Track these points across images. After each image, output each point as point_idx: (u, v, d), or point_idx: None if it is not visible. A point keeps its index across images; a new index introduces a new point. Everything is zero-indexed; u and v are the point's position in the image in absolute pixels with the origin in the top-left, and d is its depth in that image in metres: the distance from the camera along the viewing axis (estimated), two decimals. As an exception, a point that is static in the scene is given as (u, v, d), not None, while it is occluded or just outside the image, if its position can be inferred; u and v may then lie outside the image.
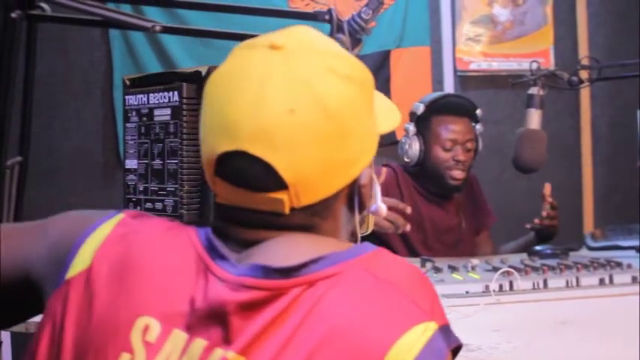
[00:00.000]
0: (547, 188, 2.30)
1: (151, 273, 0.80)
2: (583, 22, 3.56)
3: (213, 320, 0.75)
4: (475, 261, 1.96)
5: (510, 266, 1.81)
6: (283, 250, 0.79)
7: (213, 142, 0.80)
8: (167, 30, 1.28)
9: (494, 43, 3.52)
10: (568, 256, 2.07)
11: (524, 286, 1.66)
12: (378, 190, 0.88)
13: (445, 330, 0.76)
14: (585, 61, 2.15)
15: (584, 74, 2.05)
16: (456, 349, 0.78)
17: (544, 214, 2.29)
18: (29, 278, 0.87)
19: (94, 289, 0.80)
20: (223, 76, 0.81)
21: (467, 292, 1.63)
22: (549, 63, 3.48)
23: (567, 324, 1.40)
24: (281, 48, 0.79)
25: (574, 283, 1.68)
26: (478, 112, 2.30)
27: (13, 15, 1.22)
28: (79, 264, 0.82)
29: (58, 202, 3.14)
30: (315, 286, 0.75)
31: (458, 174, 2.25)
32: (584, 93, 3.52)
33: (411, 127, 2.27)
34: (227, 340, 0.74)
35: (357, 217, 0.86)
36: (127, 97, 1.53)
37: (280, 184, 0.78)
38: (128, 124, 1.52)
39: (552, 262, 1.94)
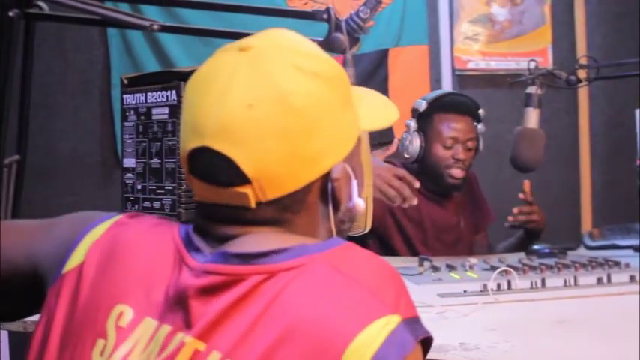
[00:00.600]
0: (525, 185, 2.28)
1: (133, 265, 0.84)
2: (581, 22, 3.56)
3: (178, 306, 0.78)
4: (473, 260, 1.96)
5: (508, 265, 1.81)
6: (252, 242, 0.81)
7: (185, 141, 0.84)
8: (165, 29, 1.28)
9: (493, 42, 3.52)
10: (566, 255, 2.07)
11: (522, 285, 1.66)
12: (354, 185, 0.88)
13: (411, 322, 0.76)
14: (583, 61, 2.15)
15: (582, 73, 2.05)
16: (427, 341, 0.79)
17: (515, 210, 2.26)
18: (37, 273, 0.91)
19: (82, 281, 0.84)
20: (197, 78, 0.85)
21: (465, 291, 1.63)
22: (547, 62, 3.48)
23: (565, 323, 1.40)
24: (249, 49, 0.82)
25: (572, 282, 1.68)
26: (480, 111, 2.30)
27: (11, 14, 1.22)
28: (74, 260, 0.86)
29: (55, 201, 3.14)
30: (277, 276, 0.77)
31: (457, 173, 2.25)
32: (583, 92, 3.52)
33: (412, 124, 2.26)
34: (188, 325, 0.77)
35: (332, 212, 0.87)
36: (124, 95, 1.52)
37: (243, 179, 0.80)
38: (126, 123, 1.52)
39: (550, 261, 1.95)
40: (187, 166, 0.84)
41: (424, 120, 2.27)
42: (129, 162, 1.52)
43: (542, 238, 2.33)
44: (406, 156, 2.26)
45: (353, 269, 0.79)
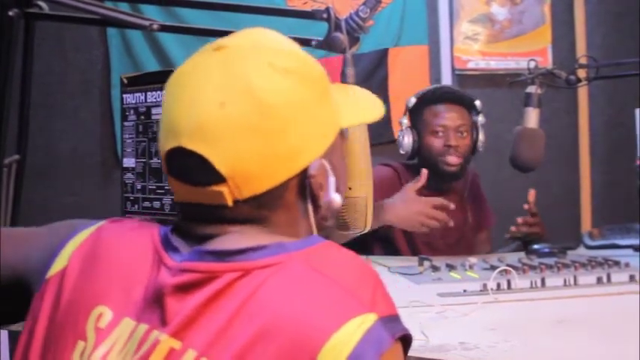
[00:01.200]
0: (531, 195, 2.24)
1: (112, 266, 0.84)
2: (581, 21, 3.56)
3: (155, 305, 0.79)
4: (473, 260, 1.96)
5: (508, 265, 1.81)
6: (229, 240, 0.82)
7: (162, 142, 0.84)
8: (165, 28, 1.28)
9: (492, 41, 3.52)
10: (566, 254, 2.07)
11: (521, 284, 1.66)
12: (332, 182, 0.88)
13: (388, 320, 0.76)
14: (583, 60, 2.15)
15: (582, 73, 2.05)
16: (406, 339, 0.79)
17: (519, 220, 2.24)
18: (23, 281, 0.92)
19: (64, 284, 0.85)
20: (173, 80, 0.85)
21: (465, 291, 1.63)
22: (547, 62, 3.48)
23: (565, 323, 1.40)
24: (224, 48, 0.83)
25: (572, 282, 1.68)
26: (477, 102, 2.30)
27: (11, 13, 1.22)
28: (58, 265, 0.87)
29: (56, 201, 3.14)
30: (252, 274, 0.77)
31: (452, 159, 2.25)
32: (582, 92, 3.52)
33: (405, 120, 2.30)
34: (163, 323, 0.77)
35: (310, 209, 0.87)
36: (124, 95, 1.52)
37: (219, 177, 0.80)
38: (126, 123, 1.52)
39: (550, 260, 1.94)
40: (166, 167, 0.85)
41: (416, 115, 2.31)
42: (129, 162, 1.52)
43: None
44: (401, 152, 2.30)
45: (330, 268, 0.79)
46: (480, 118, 2.30)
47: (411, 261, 2.04)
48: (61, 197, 3.17)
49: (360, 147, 1.10)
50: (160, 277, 0.80)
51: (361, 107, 0.98)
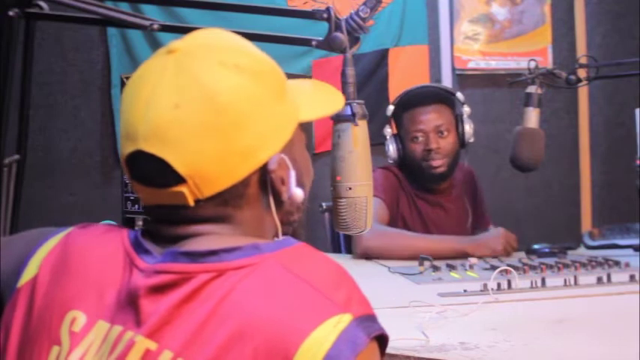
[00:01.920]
0: None
1: (84, 271, 0.85)
2: (581, 21, 3.56)
3: (129, 307, 0.79)
4: (473, 260, 1.96)
5: (508, 265, 1.81)
6: (203, 241, 0.82)
7: (122, 147, 0.85)
8: (165, 28, 1.28)
9: (493, 41, 3.52)
10: (566, 254, 2.07)
11: (522, 284, 1.66)
12: (292, 175, 0.88)
13: (364, 320, 0.77)
14: (583, 60, 2.15)
15: (582, 73, 2.05)
16: (382, 338, 0.79)
17: None
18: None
19: (36, 292, 0.85)
20: (129, 85, 0.86)
21: (465, 291, 1.63)
22: (547, 62, 3.48)
23: (565, 322, 1.40)
24: (176, 51, 0.83)
25: (572, 282, 1.68)
26: (458, 95, 2.30)
27: (11, 13, 1.22)
28: (28, 273, 0.87)
29: (55, 201, 3.14)
30: (225, 275, 0.78)
31: (435, 162, 2.26)
32: (582, 92, 3.52)
33: (388, 129, 2.31)
34: (138, 324, 0.78)
35: (273, 204, 0.88)
36: (124, 95, 1.53)
37: (178, 178, 0.81)
38: (126, 123, 1.52)
39: (550, 260, 1.94)
40: (128, 171, 0.85)
41: (398, 121, 2.32)
42: (129, 162, 1.52)
43: (542, 238, 2.33)
44: (390, 161, 2.32)
45: (304, 270, 0.79)
46: (465, 109, 2.28)
47: (411, 261, 2.04)
48: (61, 197, 3.17)
49: (361, 148, 1.10)
50: (133, 279, 0.80)
51: (320, 100, 0.98)
